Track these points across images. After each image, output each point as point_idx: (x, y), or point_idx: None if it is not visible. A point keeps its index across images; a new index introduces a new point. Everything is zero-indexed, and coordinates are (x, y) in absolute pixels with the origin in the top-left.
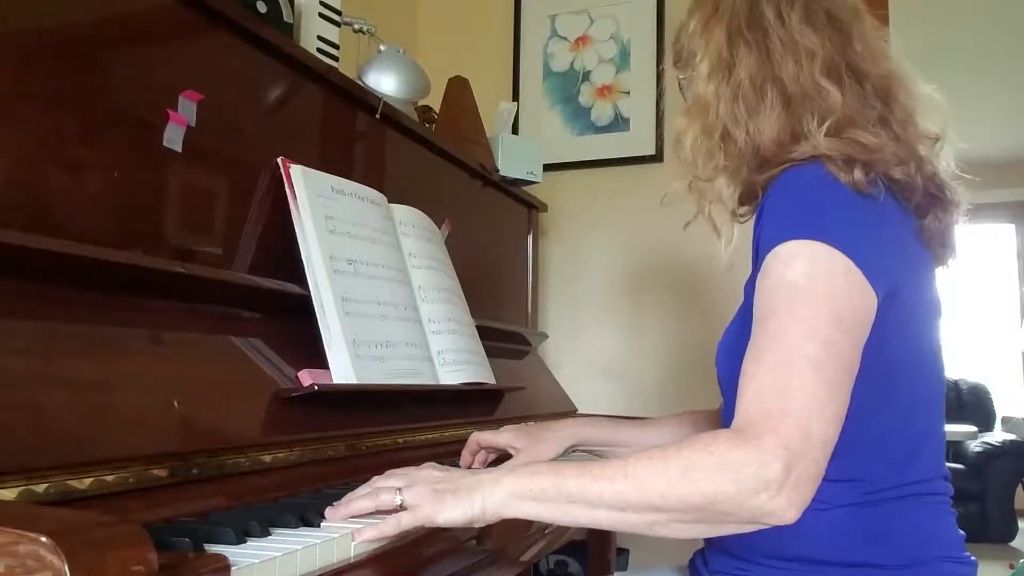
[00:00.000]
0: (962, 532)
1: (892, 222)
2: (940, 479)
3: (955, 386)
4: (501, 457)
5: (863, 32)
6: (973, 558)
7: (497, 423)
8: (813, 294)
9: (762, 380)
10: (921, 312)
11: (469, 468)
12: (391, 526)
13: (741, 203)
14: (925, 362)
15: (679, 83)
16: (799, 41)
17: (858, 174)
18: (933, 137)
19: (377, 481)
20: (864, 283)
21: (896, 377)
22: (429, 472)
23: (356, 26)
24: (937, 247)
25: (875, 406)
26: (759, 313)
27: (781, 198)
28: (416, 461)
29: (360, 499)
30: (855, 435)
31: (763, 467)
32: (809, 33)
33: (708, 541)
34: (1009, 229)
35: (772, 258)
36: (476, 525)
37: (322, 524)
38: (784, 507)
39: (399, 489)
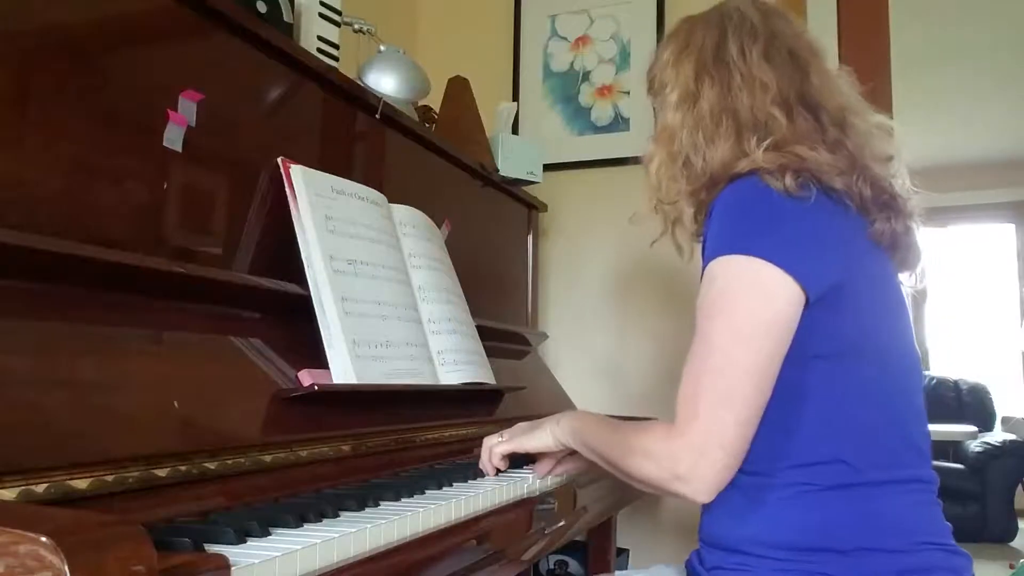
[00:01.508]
0: (949, 524)
1: (827, 220)
2: (922, 466)
3: (955, 386)
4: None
5: (821, 68)
6: (965, 551)
7: (497, 423)
8: (722, 311)
9: (683, 388)
10: (877, 304)
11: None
12: (496, 457)
13: (698, 223)
14: (881, 349)
15: (652, 108)
16: (756, 75)
17: (789, 180)
18: (886, 158)
19: (486, 440)
20: (784, 282)
21: (849, 363)
22: (519, 424)
23: (356, 26)
24: (892, 249)
25: (836, 388)
26: (696, 326)
27: (717, 214)
28: (416, 461)
29: (485, 458)
30: (826, 417)
31: (675, 462)
32: (766, 68)
33: (702, 538)
34: (1009, 229)
35: (704, 276)
36: (552, 450)
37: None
38: (693, 492)
39: (500, 434)
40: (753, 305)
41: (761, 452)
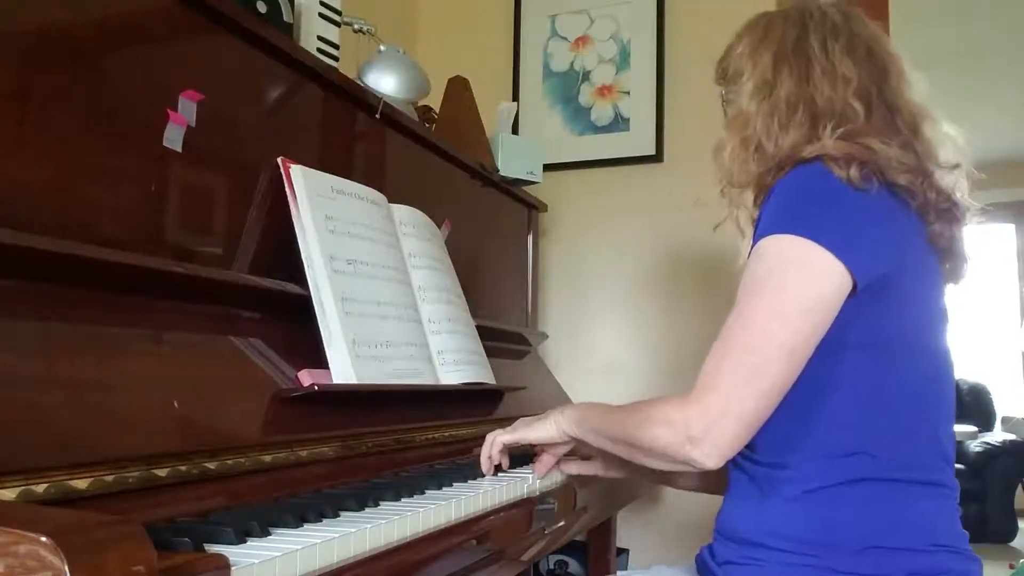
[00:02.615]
0: (966, 532)
1: (885, 214)
2: (946, 471)
3: (955, 386)
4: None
5: (899, 71)
6: (977, 556)
7: (497, 423)
8: (766, 289)
9: (709, 360)
10: (922, 304)
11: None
12: (498, 445)
13: (757, 204)
14: (916, 348)
15: (722, 97)
16: (838, 68)
17: (853, 171)
18: (952, 166)
19: (488, 435)
20: (833, 266)
21: (893, 360)
22: (523, 418)
23: (356, 26)
24: (946, 254)
25: (866, 381)
26: (736, 302)
27: (777, 194)
28: (416, 461)
29: (486, 452)
30: (854, 408)
31: (688, 425)
32: (848, 63)
33: (717, 530)
34: (1009, 229)
35: (752, 253)
36: (555, 441)
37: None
38: (703, 456)
39: (504, 429)
40: (799, 285)
41: (780, 441)
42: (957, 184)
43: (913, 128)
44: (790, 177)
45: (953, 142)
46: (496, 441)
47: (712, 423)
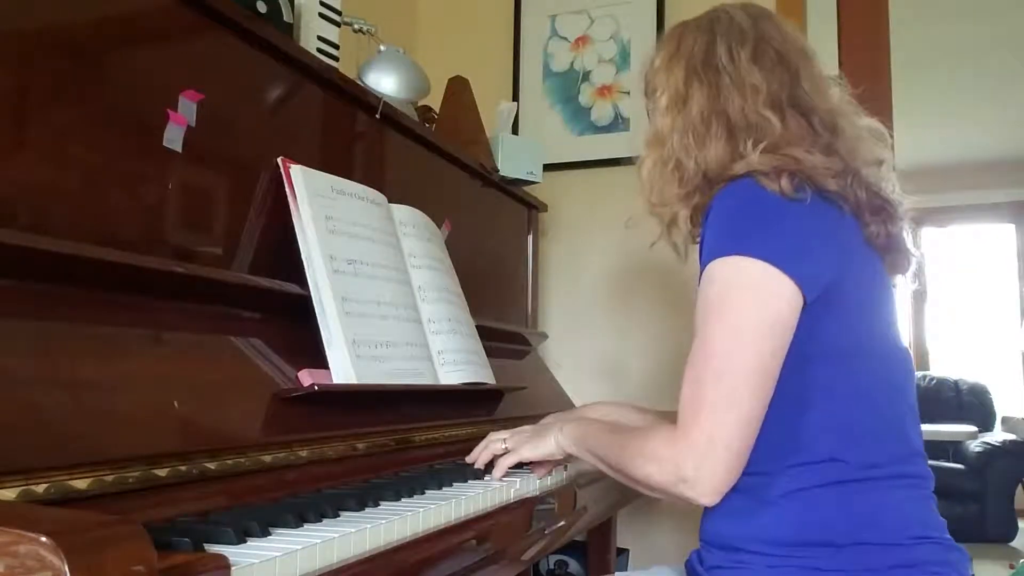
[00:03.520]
0: (944, 519)
1: (822, 221)
2: (915, 461)
3: (955, 386)
4: None
5: (811, 72)
6: (960, 546)
7: (497, 423)
8: (722, 312)
9: (685, 391)
10: (863, 302)
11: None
12: (502, 469)
13: (694, 224)
14: (874, 347)
15: (647, 111)
16: (746, 78)
17: (784, 181)
18: (876, 161)
19: (490, 435)
20: (783, 283)
21: (844, 361)
22: (523, 428)
23: (356, 26)
24: (885, 251)
25: (831, 389)
26: (695, 328)
27: (714, 215)
28: (416, 461)
29: (481, 450)
30: (824, 417)
31: (678, 466)
32: (755, 71)
33: (702, 537)
34: (1009, 229)
35: (702, 277)
36: (555, 458)
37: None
38: (699, 494)
39: (504, 439)
40: (753, 306)
41: (760, 453)
42: (885, 179)
43: (831, 128)
44: (723, 195)
45: (875, 136)
46: (501, 464)
47: (702, 459)
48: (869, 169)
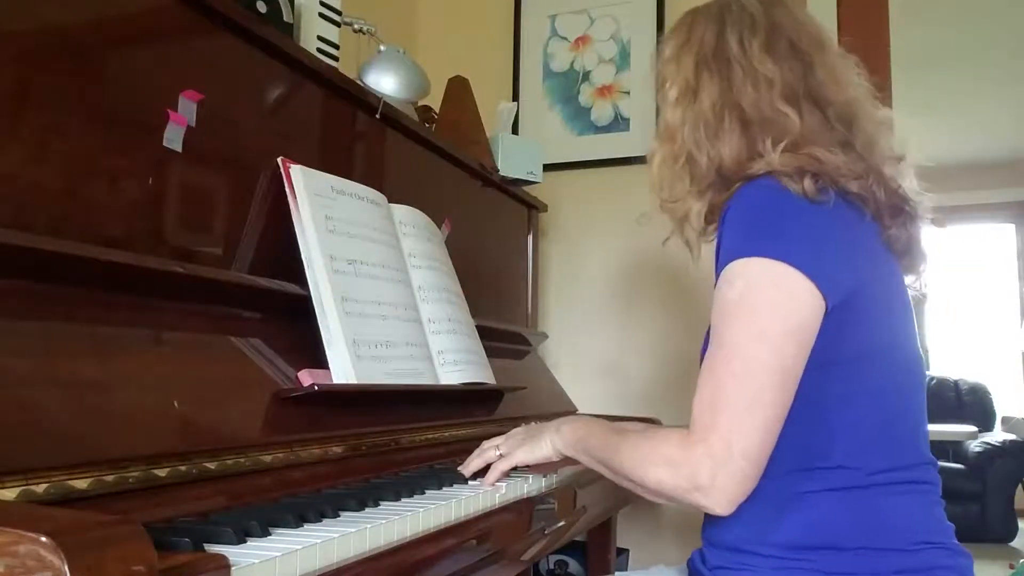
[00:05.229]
0: (951, 524)
1: (845, 225)
2: (925, 467)
3: (955, 386)
4: None
5: (825, 61)
6: (967, 551)
7: (497, 423)
8: (743, 313)
9: (702, 394)
10: (884, 308)
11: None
12: (496, 473)
13: (708, 222)
14: (892, 354)
15: (657, 106)
16: (758, 69)
17: (807, 183)
18: (896, 157)
19: (483, 444)
20: (805, 287)
21: (863, 368)
22: (516, 431)
23: (356, 26)
24: (903, 254)
25: (848, 396)
26: (712, 329)
27: (734, 215)
28: (416, 461)
29: (474, 459)
30: (836, 425)
31: (694, 472)
32: (768, 62)
33: (705, 538)
34: (1009, 229)
35: (721, 278)
36: (552, 460)
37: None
38: (714, 504)
39: (498, 446)
40: (775, 309)
41: (771, 457)
42: (904, 175)
43: (847, 121)
44: (744, 195)
45: (888, 128)
46: (496, 470)
47: (719, 467)
48: (888, 166)
